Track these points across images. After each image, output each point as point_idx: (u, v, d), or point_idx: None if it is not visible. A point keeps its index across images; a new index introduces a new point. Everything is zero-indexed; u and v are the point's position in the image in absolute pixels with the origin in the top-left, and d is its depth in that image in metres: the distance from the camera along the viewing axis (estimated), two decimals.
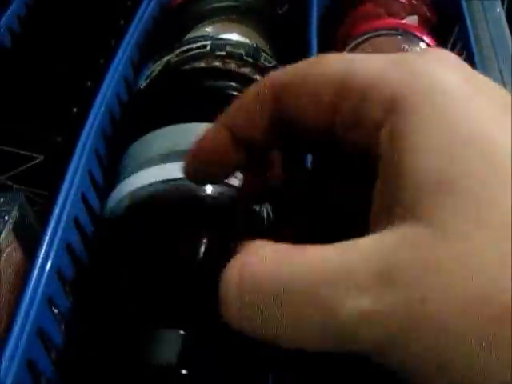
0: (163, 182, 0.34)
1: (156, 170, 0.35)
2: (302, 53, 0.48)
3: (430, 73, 0.21)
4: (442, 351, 0.17)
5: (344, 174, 0.25)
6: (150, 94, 0.43)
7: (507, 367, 0.16)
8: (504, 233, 0.17)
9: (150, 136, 0.39)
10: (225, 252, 0.24)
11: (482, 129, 0.19)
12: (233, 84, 0.41)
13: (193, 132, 0.36)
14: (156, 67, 0.45)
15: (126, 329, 0.32)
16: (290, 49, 0.50)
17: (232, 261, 0.21)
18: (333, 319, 0.18)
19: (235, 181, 0.28)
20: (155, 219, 0.33)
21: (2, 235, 0.35)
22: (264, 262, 0.20)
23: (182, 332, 0.31)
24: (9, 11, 0.51)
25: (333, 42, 0.56)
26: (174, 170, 0.34)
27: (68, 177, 0.38)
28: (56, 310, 0.36)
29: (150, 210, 0.34)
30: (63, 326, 0.37)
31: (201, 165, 0.26)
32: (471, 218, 0.17)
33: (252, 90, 0.25)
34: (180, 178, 0.34)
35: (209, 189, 0.33)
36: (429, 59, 0.22)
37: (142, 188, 0.34)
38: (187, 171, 0.26)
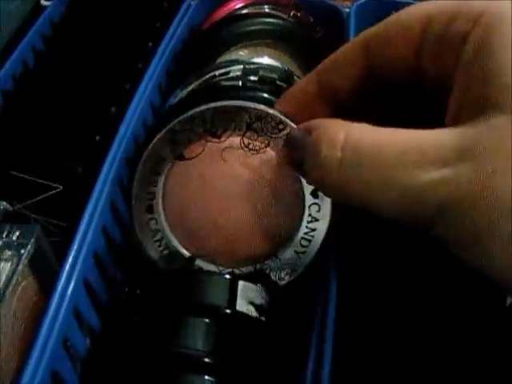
0: None
1: None
2: None
3: None
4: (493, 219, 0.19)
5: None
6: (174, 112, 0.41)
7: None
8: None
9: None
10: None
11: None
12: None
13: None
14: (185, 93, 0.43)
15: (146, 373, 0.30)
16: None
17: (333, 127, 0.23)
18: (414, 182, 0.21)
19: None
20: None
21: (18, 269, 0.33)
22: (365, 132, 0.23)
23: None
24: (32, 30, 0.49)
25: None
26: None
27: (89, 208, 0.36)
28: (72, 351, 0.34)
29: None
30: (79, 368, 0.35)
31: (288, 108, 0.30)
32: None
33: (345, 45, 0.27)
34: None
35: None
36: None
37: None
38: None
